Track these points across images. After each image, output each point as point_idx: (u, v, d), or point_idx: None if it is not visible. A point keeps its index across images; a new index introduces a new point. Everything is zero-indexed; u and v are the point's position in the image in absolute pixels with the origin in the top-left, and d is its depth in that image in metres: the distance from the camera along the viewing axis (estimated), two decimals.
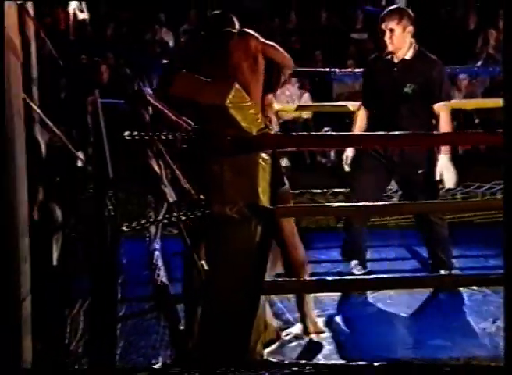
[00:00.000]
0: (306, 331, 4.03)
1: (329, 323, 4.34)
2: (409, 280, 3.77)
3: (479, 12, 10.70)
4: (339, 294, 4.65)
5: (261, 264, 2.88)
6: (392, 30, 4.80)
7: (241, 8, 13.45)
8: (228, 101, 2.98)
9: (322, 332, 4.07)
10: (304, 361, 3.69)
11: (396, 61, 4.88)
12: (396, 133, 3.62)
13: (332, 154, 8.41)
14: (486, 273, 4.70)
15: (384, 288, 4.15)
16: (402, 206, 4.35)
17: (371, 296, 4.67)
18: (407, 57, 4.86)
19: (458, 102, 8.68)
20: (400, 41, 4.82)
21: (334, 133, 3.94)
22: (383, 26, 4.82)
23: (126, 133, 2.75)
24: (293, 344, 3.96)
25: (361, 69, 8.19)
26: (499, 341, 4.05)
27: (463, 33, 10.19)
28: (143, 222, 2.94)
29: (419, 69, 4.80)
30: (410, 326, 4.35)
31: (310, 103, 8.89)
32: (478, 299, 4.56)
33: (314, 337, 4.02)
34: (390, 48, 4.85)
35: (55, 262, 3.22)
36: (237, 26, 4.11)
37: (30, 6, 3.24)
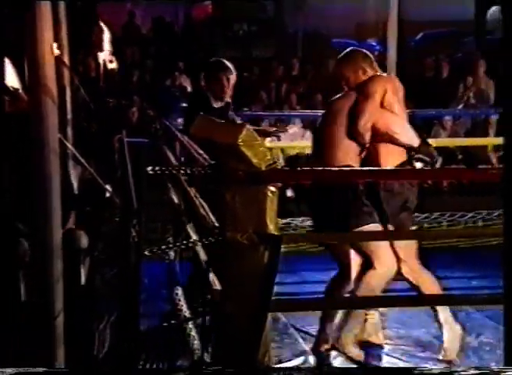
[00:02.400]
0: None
1: None
2: (405, 299, 3.74)
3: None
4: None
5: (268, 285, 2.86)
6: None
7: (251, 56, 13.58)
8: (240, 140, 2.99)
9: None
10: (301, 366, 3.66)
11: None
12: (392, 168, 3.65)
13: None
14: (469, 292, 4.66)
15: (381, 306, 4.09)
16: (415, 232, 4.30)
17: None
18: None
19: (444, 140, 8.71)
20: None
21: (334, 168, 3.90)
22: None
23: (149, 168, 2.75)
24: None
25: None
26: (483, 354, 4.01)
27: (442, 79, 10.25)
28: (163, 247, 2.93)
29: None
30: (401, 340, 4.30)
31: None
32: (461, 316, 4.50)
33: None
34: None
35: (83, 282, 3.22)
36: None
37: (65, 56, 3.27)
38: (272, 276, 2.91)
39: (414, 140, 3.90)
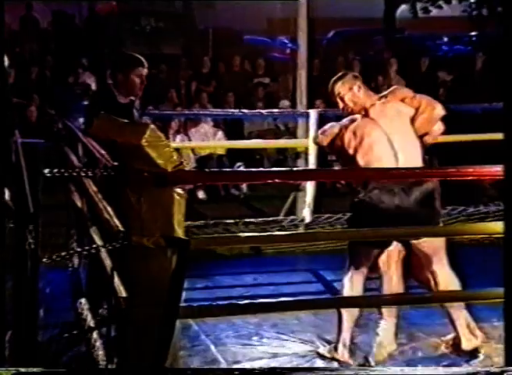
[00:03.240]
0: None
1: (244, 343, 4.33)
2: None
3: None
4: (252, 316, 4.62)
5: (176, 291, 2.83)
6: None
7: (160, 52, 13.47)
8: (144, 140, 2.94)
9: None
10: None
11: None
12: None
13: (244, 187, 8.42)
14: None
15: (301, 309, 4.10)
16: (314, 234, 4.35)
17: (280, 317, 4.66)
18: None
19: None
20: None
21: (244, 169, 3.93)
22: None
23: (47, 171, 2.66)
24: None
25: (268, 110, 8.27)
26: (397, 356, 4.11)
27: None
28: (63, 253, 2.85)
29: None
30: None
31: (223, 141, 8.91)
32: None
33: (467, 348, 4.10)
34: None
35: None
36: None
37: None
38: (181, 282, 2.88)
39: None
